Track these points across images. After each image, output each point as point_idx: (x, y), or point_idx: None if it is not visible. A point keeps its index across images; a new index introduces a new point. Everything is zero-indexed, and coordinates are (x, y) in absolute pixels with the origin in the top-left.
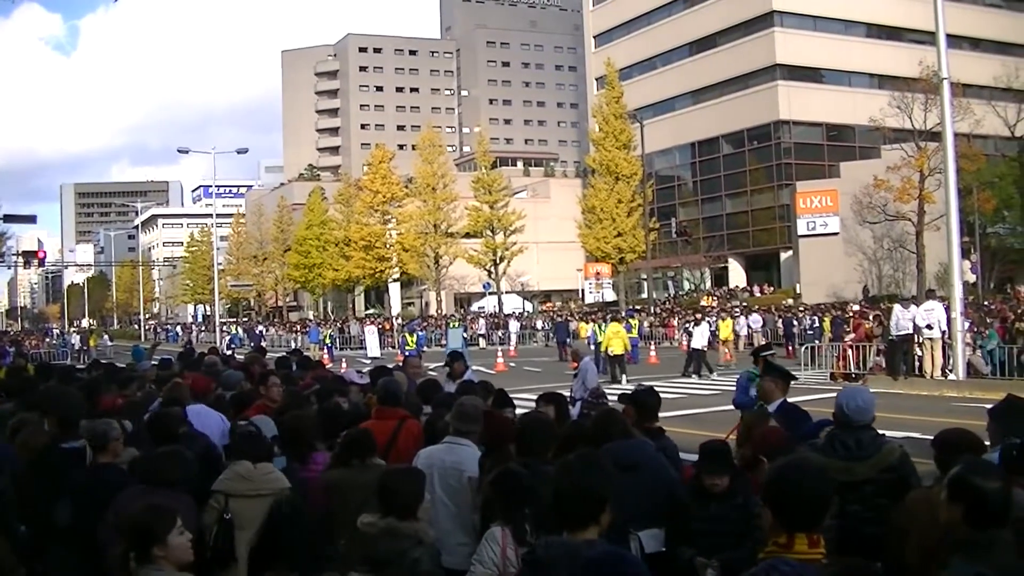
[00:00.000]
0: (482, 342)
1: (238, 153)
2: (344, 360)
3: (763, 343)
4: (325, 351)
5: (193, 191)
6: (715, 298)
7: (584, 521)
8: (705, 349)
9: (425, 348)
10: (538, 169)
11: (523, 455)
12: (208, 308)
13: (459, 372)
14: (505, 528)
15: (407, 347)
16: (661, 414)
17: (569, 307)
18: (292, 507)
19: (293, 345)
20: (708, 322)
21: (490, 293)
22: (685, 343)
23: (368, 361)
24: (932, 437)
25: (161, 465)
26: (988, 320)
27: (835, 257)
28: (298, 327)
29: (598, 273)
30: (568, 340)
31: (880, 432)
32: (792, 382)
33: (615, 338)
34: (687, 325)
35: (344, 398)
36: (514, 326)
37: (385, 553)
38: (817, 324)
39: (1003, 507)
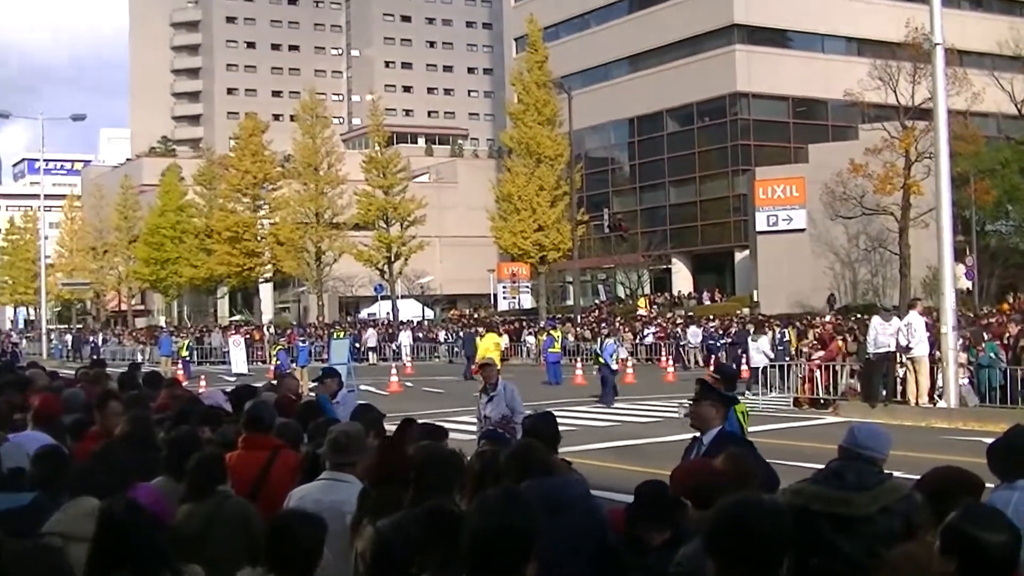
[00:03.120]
0: (372, 356)
1: (73, 120)
2: (203, 377)
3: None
4: (180, 366)
5: (15, 166)
6: (654, 305)
7: (507, 569)
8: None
9: (292, 364)
10: (444, 148)
11: (421, 493)
12: (32, 311)
13: (332, 392)
14: None
15: (273, 361)
16: (590, 445)
17: (477, 315)
18: (129, 508)
19: (140, 358)
20: (768, 335)
21: (383, 297)
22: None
23: (233, 379)
24: (918, 478)
25: None
26: (984, 336)
27: (801, 259)
28: (146, 336)
29: (514, 274)
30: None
31: (887, 472)
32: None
33: (494, 351)
34: (602, 339)
35: (207, 427)
36: (409, 338)
37: None
38: (785, 338)
39: (1005, 563)
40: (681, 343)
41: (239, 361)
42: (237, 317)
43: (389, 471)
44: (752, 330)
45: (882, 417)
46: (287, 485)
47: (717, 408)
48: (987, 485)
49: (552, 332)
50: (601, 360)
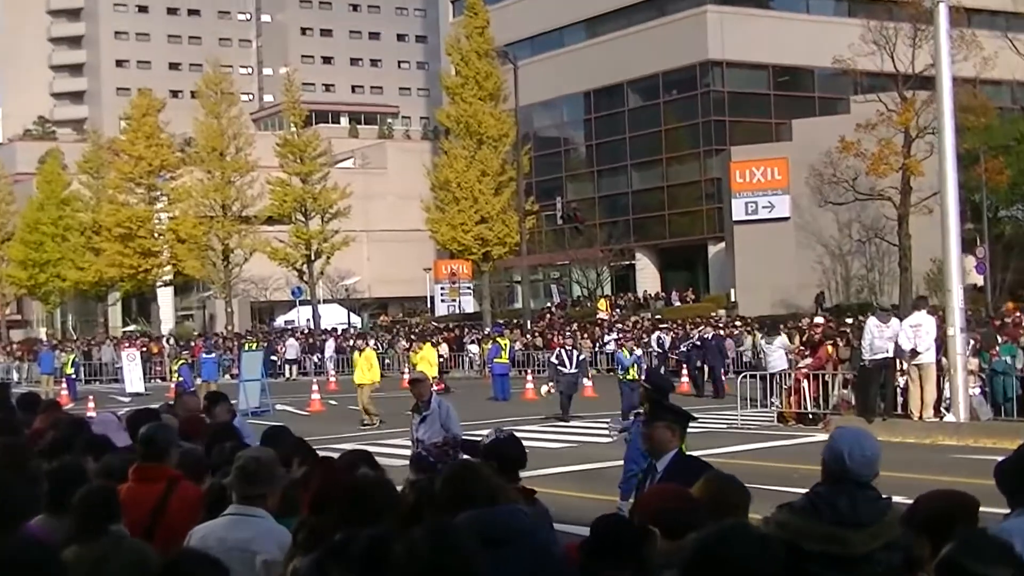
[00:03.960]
0: (291, 370)
1: None
2: (91, 398)
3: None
4: (64, 385)
5: None
6: (616, 308)
7: None
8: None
9: (196, 380)
10: (370, 128)
11: (353, 524)
12: None
13: (222, 421)
14: None
15: (175, 379)
16: (544, 470)
17: (412, 321)
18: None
19: (16, 376)
20: (785, 334)
21: (302, 302)
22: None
23: (127, 399)
24: (911, 503)
25: None
26: (998, 338)
27: (785, 252)
28: (23, 351)
29: (454, 274)
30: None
31: (884, 495)
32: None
33: (423, 363)
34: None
35: (91, 455)
36: (333, 348)
37: None
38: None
39: None
40: (659, 352)
41: (134, 379)
42: (131, 327)
43: (327, 498)
44: (766, 332)
45: (881, 434)
46: (186, 522)
47: (673, 430)
48: (985, 509)
49: (498, 340)
50: (630, 375)
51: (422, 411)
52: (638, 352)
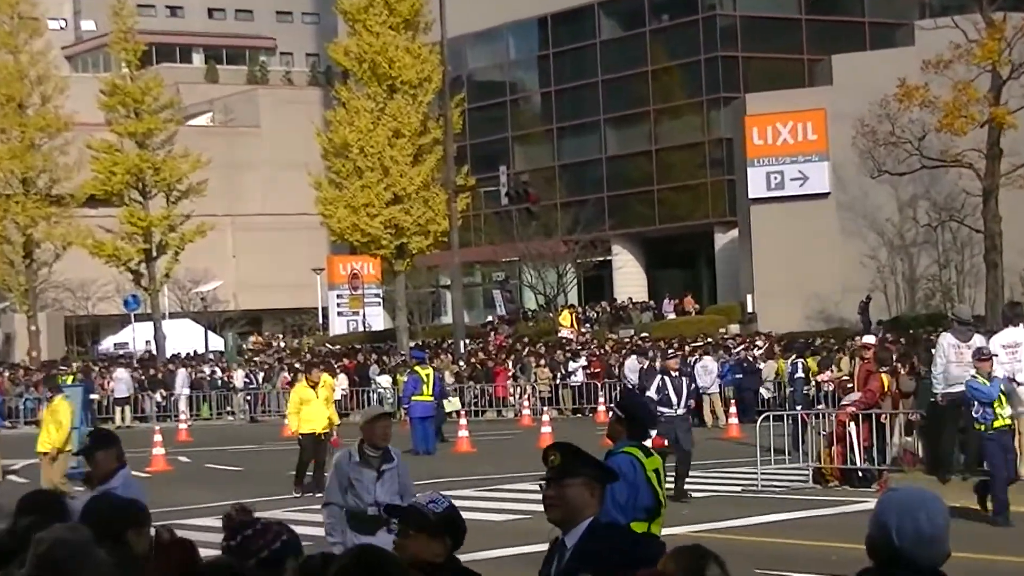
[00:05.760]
0: (122, 414)
1: None
2: None
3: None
4: None
5: None
6: (585, 323)
7: None
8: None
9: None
10: (236, 69)
11: None
12: None
13: (104, 471)
14: None
15: None
16: (490, 552)
17: (302, 344)
18: None
19: None
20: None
21: (138, 317)
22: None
23: None
24: None
25: None
26: None
27: (823, 242)
28: None
29: (355, 276)
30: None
31: None
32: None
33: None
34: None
35: None
36: (185, 382)
37: None
38: (800, 372)
39: None
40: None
41: None
42: None
43: None
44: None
45: (960, 498)
46: None
47: (592, 489)
48: None
49: (418, 370)
50: (1000, 420)
51: (377, 465)
52: (1000, 376)
